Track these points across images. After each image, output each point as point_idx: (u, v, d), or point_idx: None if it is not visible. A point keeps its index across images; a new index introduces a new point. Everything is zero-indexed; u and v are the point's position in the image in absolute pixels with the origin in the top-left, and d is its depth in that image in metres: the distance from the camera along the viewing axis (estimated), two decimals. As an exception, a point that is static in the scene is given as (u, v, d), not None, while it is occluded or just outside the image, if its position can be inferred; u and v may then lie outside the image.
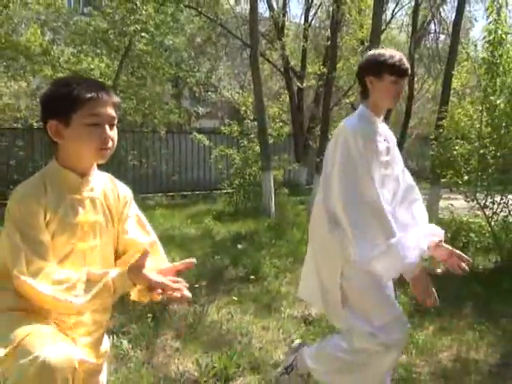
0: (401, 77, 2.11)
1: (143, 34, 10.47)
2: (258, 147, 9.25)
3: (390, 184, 2.14)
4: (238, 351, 2.96)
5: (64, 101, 1.42)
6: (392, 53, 2.12)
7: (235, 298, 3.96)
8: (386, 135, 2.22)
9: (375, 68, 2.08)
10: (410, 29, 12.95)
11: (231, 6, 14.78)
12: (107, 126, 1.46)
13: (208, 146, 10.65)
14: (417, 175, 2.76)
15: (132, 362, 2.82)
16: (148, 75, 11.78)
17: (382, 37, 12.84)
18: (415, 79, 13.46)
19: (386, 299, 2.11)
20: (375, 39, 7.78)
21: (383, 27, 13.06)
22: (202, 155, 12.48)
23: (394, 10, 14.43)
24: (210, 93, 20.32)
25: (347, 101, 14.26)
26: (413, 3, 12.80)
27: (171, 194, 11.85)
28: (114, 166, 11.30)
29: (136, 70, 11.92)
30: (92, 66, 11.08)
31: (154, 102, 11.97)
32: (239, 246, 6.04)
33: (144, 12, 10.29)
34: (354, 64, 12.12)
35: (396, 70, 2.07)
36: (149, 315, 3.48)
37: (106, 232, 1.55)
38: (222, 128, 10.11)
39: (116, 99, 1.50)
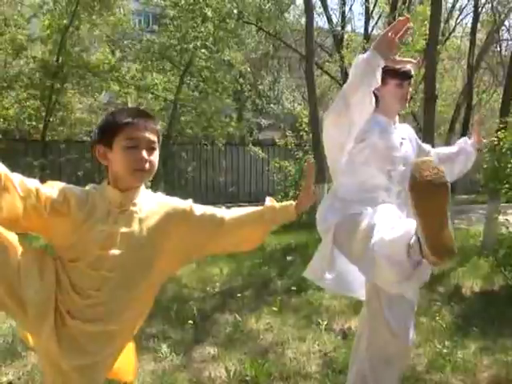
0: (403, 79, 2.25)
1: (203, 51, 10.84)
2: (313, 159, 9.29)
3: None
4: (271, 360, 3.02)
5: (107, 127, 1.58)
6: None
7: (275, 309, 4.01)
8: (404, 135, 2.37)
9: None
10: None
11: (288, 21, 14.92)
12: (144, 150, 1.57)
13: (266, 158, 10.81)
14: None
15: (167, 365, 2.95)
16: (209, 89, 12.16)
17: (446, 45, 12.56)
18: (475, 89, 12.96)
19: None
20: (432, 49, 7.62)
21: (446, 35, 12.78)
22: (260, 167, 12.67)
23: (457, 18, 14.03)
24: (271, 105, 20.58)
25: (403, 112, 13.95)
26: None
27: (229, 204, 12.08)
28: (174, 177, 11.77)
29: (197, 84, 12.35)
30: (156, 81, 11.58)
31: (214, 115, 12.33)
32: (288, 258, 6.09)
33: (204, 28, 10.66)
34: (414, 74, 11.88)
35: (397, 74, 2.21)
36: (189, 322, 3.62)
37: (138, 245, 1.60)
38: (277, 140, 10.23)
39: (155, 126, 1.61)
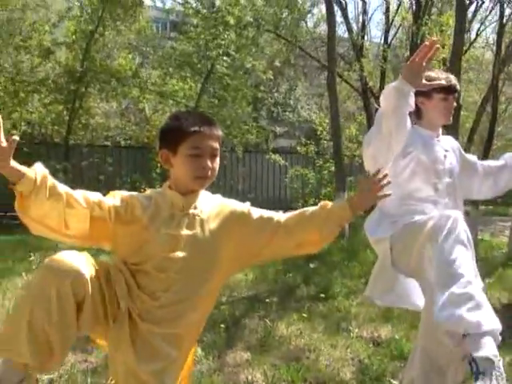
0: (449, 93, 2.27)
1: (225, 58, 10.95)
2: (333, 167, 9.31)
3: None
4: (306, 366, 3.04)
5: (173, 133, 1.62)
6: (438, 73, 2.27)
7: (305, 315, 4.03)
8: (447, 147, 2.39)
9: (423, 89, 2.16)
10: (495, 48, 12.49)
11: (310, 29, 15.01)
12: (208, 158, 1.62)
13: (284, 165, 10.87)
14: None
15: (204, 368, 2.98)
16: (228, 96, 12.26)
17: (467, 56, 12.55)
18: (500, 99, 12.92)
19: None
20: (456, 59, 7.64)
21: (467, 46, 12.77)
22: (278, 174, 12.71)
23: (479, 29, 14.02)
24: (287, 113, 20.67)
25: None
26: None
27: (247, 211, 12.12)
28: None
29: (217, 91, 12.46)
30: (176, 88, 11.71)
31: (233, 123, 12.42)
32: (311, 265, 6.11)
33: (226, 36, 10.77)
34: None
35: (443, 88, 2.22)
36: (222, 326, 3.65)
37: (201, 246, 1.64)
38: (298, 148, 10.28)
39: (218, 132, 1.65)
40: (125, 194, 1.63)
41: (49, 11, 11.28)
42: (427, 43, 1.88)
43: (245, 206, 1.76)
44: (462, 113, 14.31)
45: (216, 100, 12.45)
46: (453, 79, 2.29)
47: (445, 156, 2.34)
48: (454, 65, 7.64)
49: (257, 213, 1.76)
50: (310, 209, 1.79)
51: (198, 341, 3.39)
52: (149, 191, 1.71)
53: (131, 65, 11.47)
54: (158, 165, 10.38)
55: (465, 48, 12.32)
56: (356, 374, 3.03)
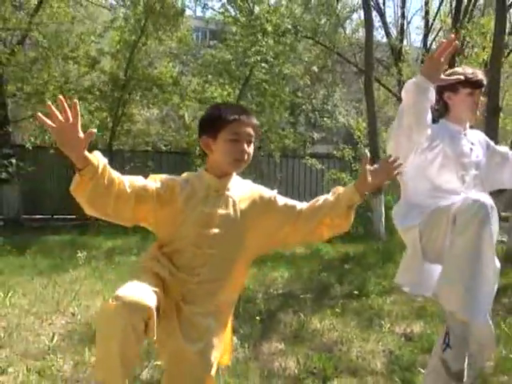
0: (475, 88, 2.34)
1: (263, 64, 11.15)
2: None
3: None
4: (337, 356, 3.15)
5: (214, 121, 1.79)
6: (465, 68, 2.37)
7: (338, 311, 4.13)
8: (474, 140, 2.46)
9: (450, 83, 2.25)
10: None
11: (347, 35, 15.05)
12: (245, 143, 1.79)
13: (321, 170, 10.94)
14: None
15: (240, 356, 3.13)
16: (266, 102, 12.45)
17: (510, 59, 12.30)
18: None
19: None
20: (496, 61, 7.55)
21: (509, 49, 12.50)
22: (315, 179, 12.78)
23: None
24: (325, 119, 20.68)
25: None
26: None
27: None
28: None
29: (255, 97, 12.67)
30: (215, 95, 11.99)
31: (271, 128, 12.59)
32: (346, 266, 6.18)
33: (264, 43, 10.98)
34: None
35: (469, 83, 2.30)
36: (257, 318, 3.79)
37: (233, 225, 1.80)
38: (335, 152, 10.34)
39: (254, 121, 1.83)
40: (164, 176, 1.80)
41: (95, 23, 11.81)
42: (444, 40, 1.99)
43: (272, 193, 1.91)
44: (504, 116, 14.07)
45: (254, 106, 12.67)
46: (479, 74, 2.35)
47: (471, 149, 2.41)
48: (493, 66, 7.57)
49: (282, 200, 1.91)
50: (325, 195, 1.91)
51: (235, 331, 3.56)
52: (186, 174, 1.88)
53: (172, 73, 11.83)
54: (196, 168, 10.66)
55: (507, 50, 12.10)
56: (386, 364, 3.11)
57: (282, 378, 2.88)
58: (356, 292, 4.69)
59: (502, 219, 2.72)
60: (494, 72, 7.48)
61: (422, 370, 2.74)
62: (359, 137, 10.50)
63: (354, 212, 1.86)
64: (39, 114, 1.53)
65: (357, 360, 3.16)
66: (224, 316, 1.85)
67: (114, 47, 11.16)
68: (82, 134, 1.54)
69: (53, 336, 3.31)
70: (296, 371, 2.95)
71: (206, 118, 1.85)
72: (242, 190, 1.86)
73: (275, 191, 1.93)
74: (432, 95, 2.07)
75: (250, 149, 1.81)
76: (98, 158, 1.58)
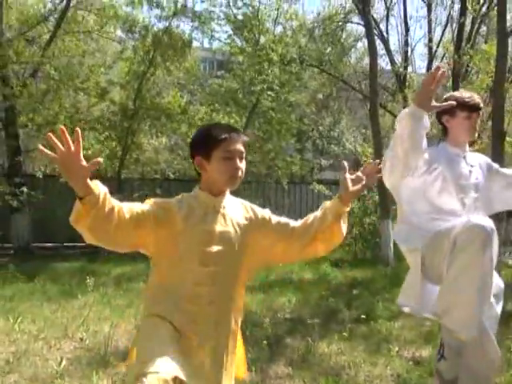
0: (472, 111, 2.39)
1: (269, 93, 11.34)
2: (377, 196, 9.36)
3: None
4: (345, 380, 3.13)
5: (206, 141, 1.84)
6: (462, 92, 2.44)
7: (346, 335, 4.11)
8: (473, 162, 2.49)
9: (448, 108, 2.30)
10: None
11: (352, 64, 15.29)
12: (238, 160, 1.84)
13: (329, 196, 10.98)
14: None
15: (247, 379, 3.12)
16: (273, 130, 12.61)
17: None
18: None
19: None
20: (499, 86, 7.62)
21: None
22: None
23: (525, 57, 13.82)
24: (332, 145, 20.81)
25: (471, 149, 13.76)
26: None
27: (291, 241, 12.26)
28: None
29: (262, 124, 12.85)
30: (222, 122, 12.15)
31: (278, 154, 12.72)
32: (354, 291, 6.15)
33: (270, 72, 11.19)
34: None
35: (466, 106, 2.36)
36: (264, 342, 3.79)
37: (232, 241, 1.84)
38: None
39: (245, 138, 1.89)
40: (159, 199, 1.85)
41: (104, 54, 12.12)
42: (432, 70, 2.06)
43: (265, 211, 1.98)
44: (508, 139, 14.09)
45: (261, 133, 12.83)
46: (476, 98, 2.42)
47: (470, 172, 2.45)
48: (497, 91, 7.64)
49: (275, 218, 1.97)
50: (315, 212, 1.97)
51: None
52: (180, 195, 1.91)
53: (180, 102, 12.05)
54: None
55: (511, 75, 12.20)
56: (395, 388, 3.09)
57: (289, 401, 2.87)
58: (364, 316, 4.67)
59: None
60: (497, 97, 7.56)
61: (430, 393, 2.72)
62: (366, 161, 10.53)
63: (347, 223, 1.93)
64: (41, 147, 1.57)
65: (364, 383, 3.14)
66: (235, 334, 1.88)
67: (123, 78, 11.41)
68: (84, 163, 1.57)
69: (61, 360, 3.34)
70: (303, 395, 2.94)
71: (197, 138, 1.89)
72: (236, 207, 1.91)
73: (267, 209, 1.99)
74: (427, 122, 2.13)
75: (243, 165, 1.85)
76: (98, 187, 1.62)
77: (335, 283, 6.81)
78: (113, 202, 1.66)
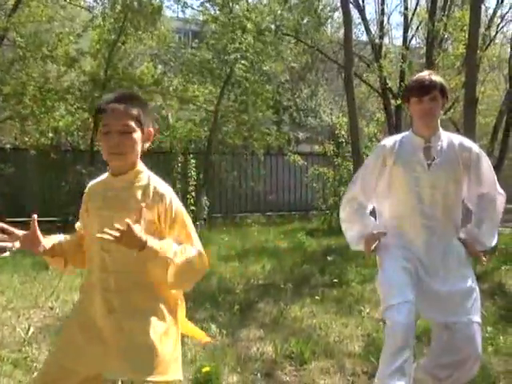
0: (421, 95, 2.17)
1: (243, 62, 11.15)
2: (352, 166, 9.38)
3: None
4: (315, 340, 3.15)
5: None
6: (418, 76, 2.26)
7: (318, 298, 4.14)
8: (438, 153, 2.24)
9: (405, 95, 2.28)
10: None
11: (329, 35, 15.14)
12: (116, 134, 1.59)
13: (305, 167, 10.98)
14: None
15: (218, 343, 3.12)
16: (249, 100, 12.44)
17: (488, 53, 12.44)
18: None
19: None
20: (472, 53, 7.62)
21: (487, 43, 12.66)
22: (299, 176, 12.80)
23: (498, 26, 13.88)
24: (309, 118, 20.72)
25: (444, 117, 13.84)
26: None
27: (268, 213, 12.28)
28: (215, 185, 12.06)
29: (237, 96, 12.66)
30: (197, 93, 11.95)
31: (254, 126, 12.58)
32: (328, 258, 6.19)
33: (244, 40, 10.99)
34: (453, 81, 11.79)
35: (415, 91, 2.20)
36: (236, 307, 3.79)
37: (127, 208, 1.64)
38: (317, 147, 10.39)
39: (129, 110, 1.61)
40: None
41: (74, 22, 11.70)
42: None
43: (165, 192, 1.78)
44: (484, 111, 14.24)
45: (237, 104, 12.65)
46: (425, 80, 2.18)
47: (429, 164, 2.22)
48: (470, 58, 7.65)
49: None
50: None
51: (213, 319, 3.55)
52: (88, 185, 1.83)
53: (153, 73, 11.76)
54: (179, 166, 10.74)
55: (485, 45, 12.24)
56: (364, 347, 3.13)
57: (259, 362, 2.88)
58: (336, 280, 4.71)
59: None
60: (470, 64, 7.58)
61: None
62: (339, 132, 10.54)
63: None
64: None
65: (335, 344, 3.17)
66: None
67: (94, 47, 11.07)
68: (42, 240, 1.75)
69: (28, 328, 3.28)
70: (273, 356, 2.96)
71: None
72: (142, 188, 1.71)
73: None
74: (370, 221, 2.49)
75: (127, 139, 1.61)
76: (59, 243, 1.83)
77: (310, 251, 6.85)
78: (71, 241, 1.87)
